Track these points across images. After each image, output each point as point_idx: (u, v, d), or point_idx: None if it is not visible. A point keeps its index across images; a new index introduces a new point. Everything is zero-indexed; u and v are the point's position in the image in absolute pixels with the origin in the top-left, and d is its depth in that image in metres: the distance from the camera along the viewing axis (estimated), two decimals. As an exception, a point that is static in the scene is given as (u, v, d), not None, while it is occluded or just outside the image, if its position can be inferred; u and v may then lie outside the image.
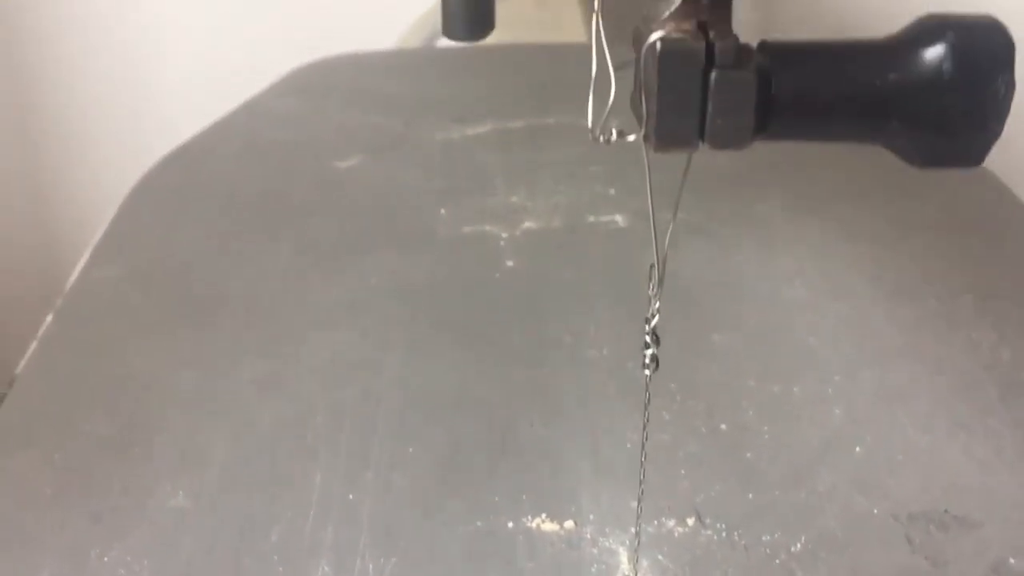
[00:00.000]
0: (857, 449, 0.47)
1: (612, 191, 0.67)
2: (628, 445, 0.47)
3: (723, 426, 0.49)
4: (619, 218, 0.65)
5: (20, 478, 0.46)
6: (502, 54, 0.86)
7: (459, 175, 0.70)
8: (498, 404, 0.50)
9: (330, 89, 0.81)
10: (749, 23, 1.30)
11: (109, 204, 0.67)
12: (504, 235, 0.63)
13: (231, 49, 1.11)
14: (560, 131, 0.74)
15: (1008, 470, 0.47)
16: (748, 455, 0.47)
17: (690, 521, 0.44)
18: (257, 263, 0.60)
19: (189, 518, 0.44)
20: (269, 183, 0.69)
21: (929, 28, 0.28)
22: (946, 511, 0.44)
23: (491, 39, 1.09)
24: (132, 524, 0.43)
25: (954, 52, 0.27)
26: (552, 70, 0.83)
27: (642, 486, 0.37)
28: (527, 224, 0.64)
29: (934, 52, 0.28)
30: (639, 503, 0.38)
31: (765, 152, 0.33)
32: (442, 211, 0.65)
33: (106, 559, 0.42)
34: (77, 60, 1.14)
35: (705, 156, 0.30)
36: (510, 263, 0.61)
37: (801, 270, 0.61)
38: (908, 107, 0.28)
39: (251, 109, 0.76)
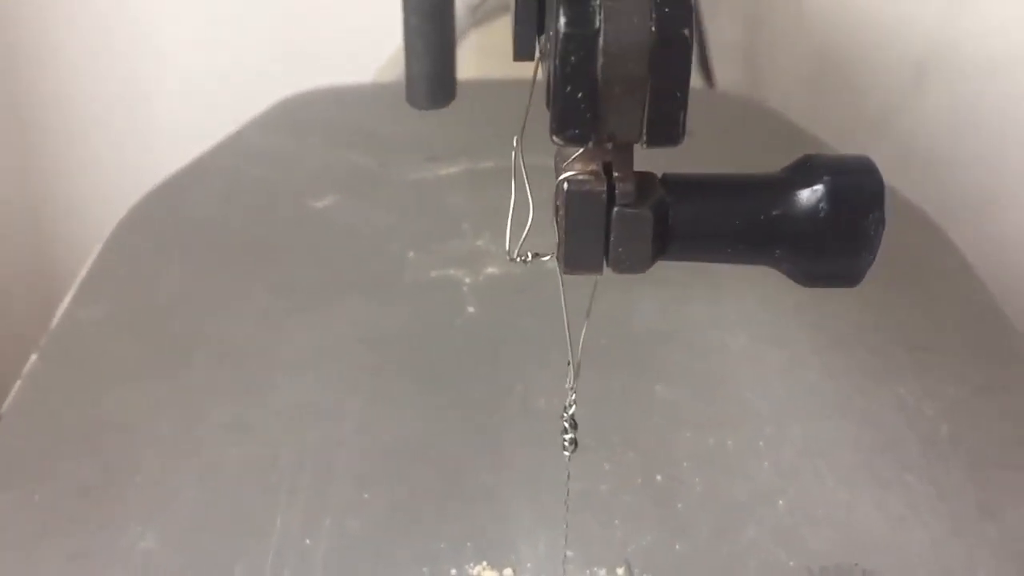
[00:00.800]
0: (780, 502, 0.51)
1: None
2: (564, 493, 0.51)
3: (658, 477, 0.52)
4: (578, 264, 0.68)
5: (1, 517, 0.50)
6: (476, 89, 0.89)
7: (429, 217, 0.73)
8: (450, 452, 0.54)
9: (310, 125, 0.84)
10: (735, 44, 1.34)
11: (96, 239, 0.70)
12: (467, 280, 0.66)
13: (221, 78, 1.14)
14: (527, 173, 0.78)
15: (920, 526, 0.50)
16: (679, 506, 0.51)
17: (620, 571, 0.47)
18: (232, 306, 0.64)
19: (156, 559, 0.47)
20: (247, 223, 0.72)
21: (810, 169, 0.31)
22: (856, 564, 0.48)
23: (467, 70, 1.13)
24: (104, 565, 0.47)
25: (830, 193, 0.31)
26: (523, 108, 0.86)
27: (565, 549, 0.41)
28: (490, 269, 0.67)
29: (813, 192, 0.31)
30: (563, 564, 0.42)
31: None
32: (411, 254, 0.69)
33: (79, 599, 0.45)
34: (76, 104, 1.18)
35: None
36: (471, 309, 0.64)
37: (746, 319, 0.64)
38: (790, 239, 0.32)
39: (233, 145, 0.80)
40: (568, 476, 0.40)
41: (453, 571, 0.47)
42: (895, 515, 0.51)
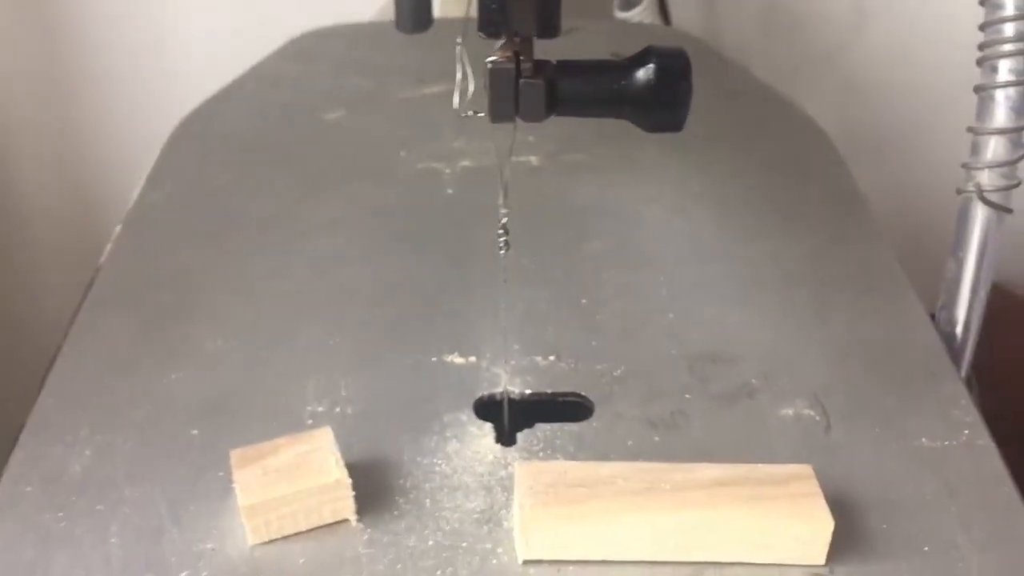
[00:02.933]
0: (671, 315, 0.71)
1: (531, 138, 0.90)
2: (515, 312, 0.71)
3: (584, 301, 0.72)
4: (533, 159, 0.88)
5: (110, 331, 0.69)
6: (458, 26, 1.08)
7: (416, 125, 0.92)
8: (433, 287, 0.73)
9: (321, 56, 1.03)
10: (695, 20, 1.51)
11: (146, 149, 0.89)
12: (447, 171, 0.86)
13: (241, 20, 1.33)
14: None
15: (770, 329, 0.70)
16: (597, 317, 0.70)
17: (551, 358, 0.67)
18: (265, 191, 0.83)
19: (224, 355, 0.67)
20: (273, 132, 0.91)
21: (646, 55, 0.50)
22: (718, 353, 0.68)
23: (452, 10, 1.33)
24: (189, 357, 0.67)
25: (656, 71, 0.50)
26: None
27: (505, 334, 0.61)
28: (464, 163, 0.87)
29: (646, 71, 0.50)
30: (505, 344, 0.62)
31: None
32: (402, 153, 0.88)
33: (173, 376, 0.65)
34: (110, 44, 1.36)
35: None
36: (449, 191, 0.83)
37: (661, 197, 0.83)
38: (635, 100, 0.50)
39: (258, 73, 0.99)
40: (505, 269, 0.59)
41: (433, 359, 0.67)
42: (753, 323, 0.70)
